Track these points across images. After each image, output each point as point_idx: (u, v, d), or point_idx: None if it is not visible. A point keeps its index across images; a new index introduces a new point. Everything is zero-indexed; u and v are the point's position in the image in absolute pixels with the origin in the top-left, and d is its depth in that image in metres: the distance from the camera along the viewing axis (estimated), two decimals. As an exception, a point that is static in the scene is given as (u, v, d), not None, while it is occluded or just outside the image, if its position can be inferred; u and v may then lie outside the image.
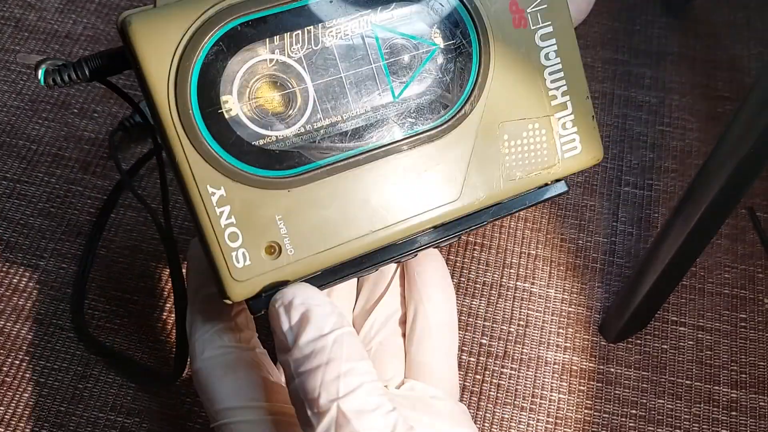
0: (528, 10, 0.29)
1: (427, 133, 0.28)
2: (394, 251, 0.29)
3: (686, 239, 0.38)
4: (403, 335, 0.34)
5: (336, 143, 0.27)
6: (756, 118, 0.35)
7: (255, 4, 0.26)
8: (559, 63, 0.29)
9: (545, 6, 0.29)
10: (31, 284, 0.43)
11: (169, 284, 0.43)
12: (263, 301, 0.27)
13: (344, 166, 0.27)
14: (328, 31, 0.27)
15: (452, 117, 0.28)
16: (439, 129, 0.28)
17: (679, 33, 0.53)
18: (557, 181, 0.30)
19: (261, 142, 0.26)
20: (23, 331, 0.41)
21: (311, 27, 0.26)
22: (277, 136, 0.26)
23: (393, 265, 0.35)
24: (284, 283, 0.27)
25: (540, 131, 0.29)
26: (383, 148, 0.27)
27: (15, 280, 0.43)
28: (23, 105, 0.49)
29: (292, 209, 0.26)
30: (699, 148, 0.48)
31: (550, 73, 0.29)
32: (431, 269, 0.33)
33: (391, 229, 0.28)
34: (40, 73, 0.27)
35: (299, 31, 0.26)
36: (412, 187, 0.28)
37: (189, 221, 0.45)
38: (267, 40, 0.26)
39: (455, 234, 0.29)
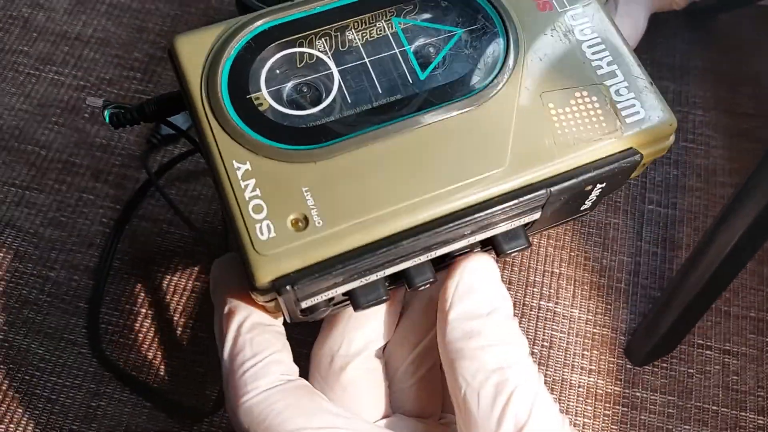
0: None
1: (461, 102, 0.27)
2: (438, 227, 0.25)
3: (721, 264, 0.37)
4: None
5: (364, 116, 0.27)
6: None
7: (283, 10, 0.28)
8: (597, 37, 0.29)
9: None
10: (41, 297, 0.41)
11: (186, 298, 0.42)
12: (289, 279, 0.24)
13: (374, 138, 0.26)
14: (352, 26, 0.29)
15: (486, 87, 0.28)
16: (473, 98, 0.27)
17: (702, 47, 0.52)
18: (626, 150, 0.27)
19: (287, 119, 0.27)
20: (33, 345, 0.40)
21: (335, 25, 0.29)
22: (301, 114, 0.27)
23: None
24: (321, 264, 0.25)
25: (590, 98, 0.28)
26: (414, 118, 0.27)
27: (24, 292, 0.42)
28: (32, 109, 0.47)
29: (319, 181, 0.26)
30: (723, 166, 0.47)
31: (590, 46, 0.29)
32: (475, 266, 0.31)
33: (429, 200, 0.26)
34: (106, 114, 0.30)
35: (324, 28, 0.28)
36: (448, 157, 0.26)
37: (219, 226, 0.44)
38: (294, 38, 0.28)
39: (509, 206, 0.26)
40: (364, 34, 0.29)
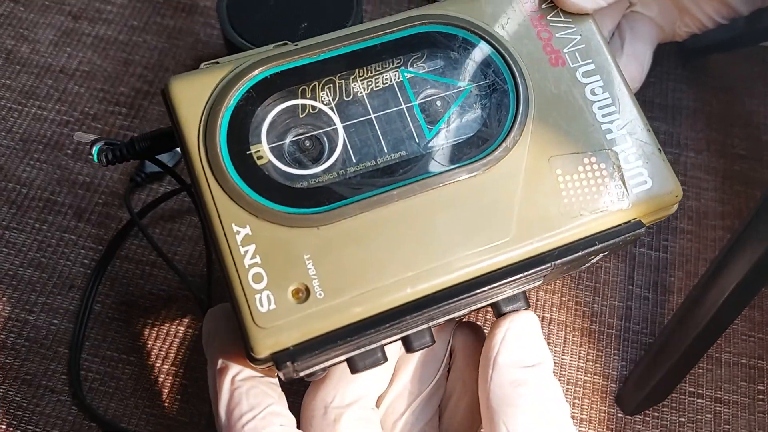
0: (564, 50, 0.29)
1: (469, 166, 0.26)
2: (442, 301, 0.25)
3: (716, 313, 0.36)
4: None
5: (368, 179, 0.26)
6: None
7: (285, 56, 0.27)
8: (607, 97, 0.28)
9: (583, 46, 0.29)
10: (19, 341, 0.40)
11: (168, 344, 0.41)
12: (289, 354, 0.24)
13: (378, 202, 0.25)
14: (358, 78, 0.27)
15: (493, 151, 0.27)
16: (480, 163, 0.26)
17: (695, 86, 0.52)
18: (631, 221, 0.27)
19: (289, 180, 0.26)
20: (10, 393, 0.39)
21: (340, 75, 0.27)
22: (305, 174, 0.26)
23: (442, 349, 0.32)
24: (321, 338, 0.24)
25: (598, 165, 0.27)
26: (420, 182, 0.26)
27: (2, 337, 0.40)
28: (14, 144, 0.46)
29: (321, 248, 0.25)
30: (715, 209, 0.47)
31: (600, 108, 0.28)
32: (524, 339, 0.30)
33: (434, 270, 0.25)
34: (95, 151, 0.29)
35: (328, 79, 0.27)
36: (454, 224, 0.26)
37: (204, 269, 0.43)
38: (296, 87, 0.27)
39: (514, 279, 0.26)
40: (370, 85, 0.27)
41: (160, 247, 0.41)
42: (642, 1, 0.40)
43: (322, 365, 0.26)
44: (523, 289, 0.28)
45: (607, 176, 0.27)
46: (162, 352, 0.41)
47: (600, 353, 0.42)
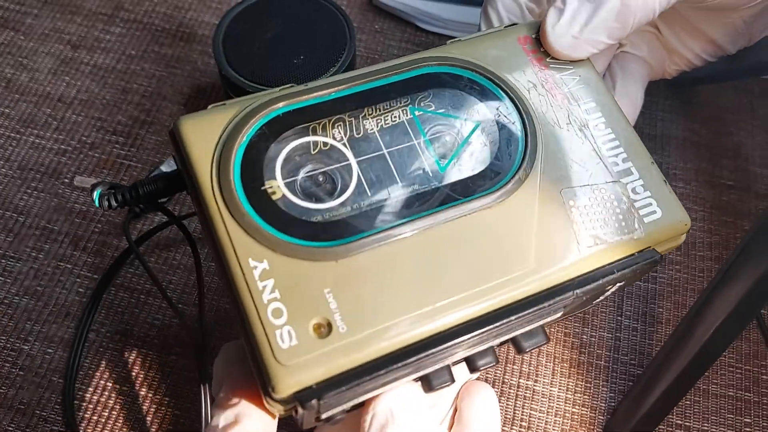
0: (565, 90, 0.30)
1: (483, 199, 0.27)
2: (469, 332, 0.24)
3: (704, 346, 0.37)
4: None
5: (385, 212, 0.26)
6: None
7: (297, 95, 0.27)
8: (611, 132, 0.30)
9: (583, 86, 0.31)
10: (14, 371, 0.41)
11: (162, 374, 0.41)
12: (314, 392, 0.23)
13: (396, 234, 0.25)
14: (369, 116, 0.28)
15: (507, 182, 0.27)
16: (495, 194, 0.27)
17: (683, 116, 0.52)
18: (645, 250, 0.28)
19: (305, 214, 0.26)
20: (4, 422, 0.39)
21: (351, 113, 0.28)
22: (320, 207, 0.26)
23: (451, 396, 0.31)
24: (346, 375, 0.23)
25: (609, 196, 0.28)
26: (437, 215, 0.26)
27: (-3, 365, 0.41)
28: (11, 173, 0.47)
29: (341, 281, 0.24)
30: (703, 239, 0.48)
31: (604, 142, 0.29)
32: (483, 415, 0.31)
33: (458, 301, 0.25)
34: (95, 196, 0.28)
35: (340, 116, 0.27)
36: (475, 255, 0.26)
37: (210, 297, 0.43)
38: (308, 125, 0.27)
39: (537, 309, 0.25)
40: (380, 122, 0.28)
41: (156, 277, 0.41)
42: (632, 42, 0.41)
43: (345, 405, 0.25)
44: (542, 323, 0.28)
45: (618, 206, 0.28)
46: (155, 382, 0.41)
47: (588, 385, 0.43)
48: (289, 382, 0.23)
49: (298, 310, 0.24)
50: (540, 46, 0.31)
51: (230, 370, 0.27)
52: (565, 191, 0.28)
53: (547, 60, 0.31)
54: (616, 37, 0.32)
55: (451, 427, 0.31)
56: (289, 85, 0.28)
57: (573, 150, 0.29)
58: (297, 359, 0.23)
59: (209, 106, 0.27)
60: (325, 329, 0.24)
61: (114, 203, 0.28)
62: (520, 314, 0.25)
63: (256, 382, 0.24)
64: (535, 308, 0.25)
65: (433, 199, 0.27)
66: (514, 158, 0.28)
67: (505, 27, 0.32)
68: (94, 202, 0.28)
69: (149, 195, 0.28)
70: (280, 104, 0.27)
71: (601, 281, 0.27)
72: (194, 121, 0.26)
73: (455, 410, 0.32)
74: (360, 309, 0.24)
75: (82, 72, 0.51)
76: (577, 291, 0.26)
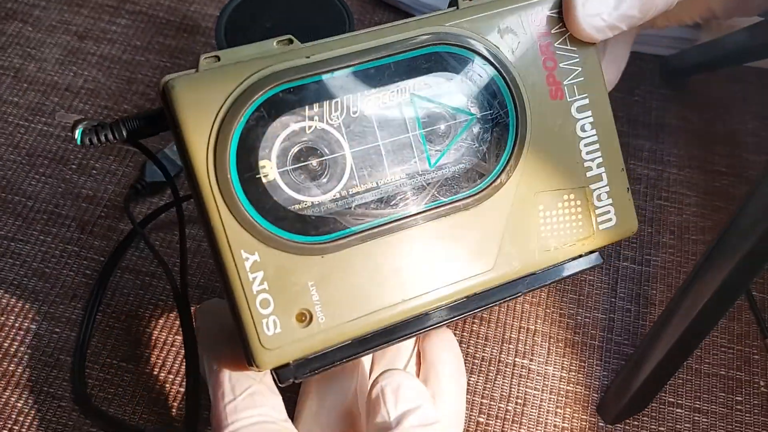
0: (565, 83, 0.29)
1: (462, 202, 0.28)
2: (425, 322, 0.28)
3: (692, 323, 0.38)
4: None
5: (371, 210, 0.27)
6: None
7: (296, 72, 0.26)
8: (594, 135, 0.30)
9: (582, 79, 0.30)
10: (22, 349, 0.42)
11: (166, 352, 0.42)
12: (292, 371, 0.27)
13: (378, 233, 0.27)
14: (367, 99, 0.27)
15: (487, 186, 0.28)
16: (474, 198, 0.28)
17: (677, 105, 0.53)
18: (591, 252, 0.30)
19: (297, 207, 0.26)
20: (12, 399, 0.41)
21: (351, 95, 0.27)
22: (312, 202, 0.27)
23: (411, 341, 0.35)
24: (317, 354, 0.27)
25: (575, 202, 0.29)
26: (418, 216, 0.28)
27: (6, 344, 0.42)
28: (20, 159, 0.48)
29: (325, 276, 0.26)
30: (696, 224, 0.49)
31: (586, 145, 0.30)
32: (448, 360, 0.33)
33: (423, 298, 0.28)
34: (78, 133, 0.27)
35: (339, 99, 0.27)
36: (445, 255, 0.28)
37: (201, 280, 0.44)
38: (307, 106, 0.26)
39: (487, 305, 0.29)
40: (380, 107, 0.27)
41: (160, 255, 0.42)
42: None
43: (318, 374, 0.28)
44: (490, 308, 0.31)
45: (581, 212, 0.30)
46: (159, 360, 0.42)
47: (583, 363, 0.43)
48: (270, 361, 0.26)
49: (284, 302, 0.26)
50: (551, 27, 0.29)
51: (210, 329, 0.31)
52: (540, 194, 0.29)
53: (555, 45, 0.29)
54: (648, 16, 0.30)
55: (418, 369, 0.34)
56: (287, 38, 0.27)
57: (557, 151, 0.29)
58: (279, 343, 0.26)
59: (201, 58, 0.26)
60: (307, 318, 0.26)
61: (96, 140, 0.27)
62: (469, 311, 0.29)
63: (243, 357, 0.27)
64: (483, 306, 0.29)
65: (418, 199, 0.28)
66: (500, 159, 0.29)
67: None
68: (76, 140, 0.27)
69: (132, 132, 0.27)
70: (279, 82, 0.26)
71: (546, 283, 0.30)
72: (189, 93, 0.25)
73: (418, 353, 0.34)
74: (338, 302, 0.27)
75: (89, 62, 0.52)
76: (525, 291, 0.29)
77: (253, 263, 0.26)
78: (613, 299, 0.46)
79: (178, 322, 0.43)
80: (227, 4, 0.45)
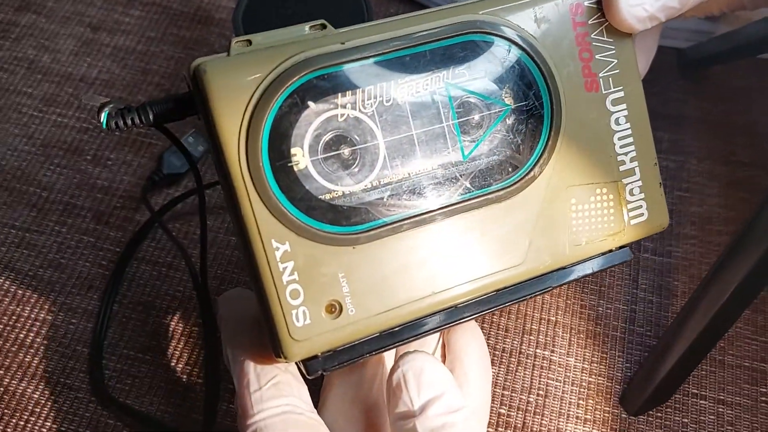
0: (600, 74, 0.29)
1: (495, 194, 0.27)
2: (454, 315, 0.28)
3: (717, 314, 0.37)
4: None
5: (403, 200, 0.27)
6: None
7: (331, 59, 0.25)
8: (628, 128, 0.29)
9: (618, 71, 0.29)
10: (38, 340, 0.42)
11: (183, 343, 0.42)
12: (320, 363, 0.26)
13: (410, 225, 0.26)
14: (401, 87, 0.26)
15: (521, 179, 0.28)
16: (507, 190, 0.27)
17: (697, 97, 0.53)
18: (621, 247, 0.29)
19: (328, 196, 0.26)
20: (29, 390, 0.40)
21: (384, 83, 0.26)
22: (344, 192, 0.26)
23: (436, 335, 0.34)
24: (346, 346, 0.26)
25: (608, 196, 0.29)
26: (450, 208, 0.27)
27: (21, 335, 0.42)
28: (35, 150, 0.48)
29: (355, 267, 0.26)
30: (719, 215, 0.48)
31: (620, 138, 0.29)
32: (474, 350, 0.33)
33: (453, 291, 0.27)
34: (103, 116, 0.26)
35: (372, 86, 0.26)
36: (476, 248, 0.27)
37: (218, 271, 0.44)
38: (340, 94, 0.26)
39: (517, 299, 0.29)
40: (414, 96, 0.27)
41: (180, 242, 0.42)
42: None
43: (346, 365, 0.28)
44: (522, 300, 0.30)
45: (613, 208, 0.29)
46: (177, 352, 0.42)
47: (605, 355, 0.43)
48: (299, 352, 0.26)
49: (314, 293, 0.25)
50: (589, 17, 0.28)
51: (233, 317, 0.30)
52: (571, 188, 0.28)
53: (592, 36, 0.28)
54: (686, 7, 0.29)
55: (443, 360, 0.33)
56: (320, 23, 0.26)
57: (590, 145, 0.29)
58: (308, 335, 0.25)
59: (233, 42, 0.25)
60: (336, 310, 0.26)
61: (122, 124, 0.26)
62: (498, 305, 0.28)
63: (267, 347, 0.27)
64: (513, 300, 0.28)
65: (451, 191, 0.27)
66: (534, 151, 0.28)
67: None
68: (102, 123, 0.26)
69: (158, 116, 0.26)
70: (312, 68, 0.25)
71: (575, 277, 0.29)
72: (221, 78, 0.24)
73: (443, 344, 0.34)
74: (368, 294, 0.26)
75: (103, 53, 0.52)
76: (555, 285, 0.29)
77: (283, 253, 0.25)
78: (634, 290, 0.45)
79: (195, 313, 0.43)
80: (244, -7, 0.45)
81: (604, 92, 0.29)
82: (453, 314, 0.28)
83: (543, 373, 0.42)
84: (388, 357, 0.35)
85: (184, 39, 0.53)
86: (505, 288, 0.28)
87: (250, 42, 0.25)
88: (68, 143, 0.48)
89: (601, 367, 0.43)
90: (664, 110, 0.52)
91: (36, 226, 0.45)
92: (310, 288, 0.25)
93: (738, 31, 0.52)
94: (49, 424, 0.39)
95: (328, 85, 0.25)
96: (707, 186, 0.49)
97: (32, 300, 0.43)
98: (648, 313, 0.44)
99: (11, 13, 0.53)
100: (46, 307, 0.43)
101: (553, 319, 0.44)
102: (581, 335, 0.43)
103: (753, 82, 0.54)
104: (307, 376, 0.27)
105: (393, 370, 0.29)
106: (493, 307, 0.28)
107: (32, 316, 0.42)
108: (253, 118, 0.24)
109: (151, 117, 0.26)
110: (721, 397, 0.42)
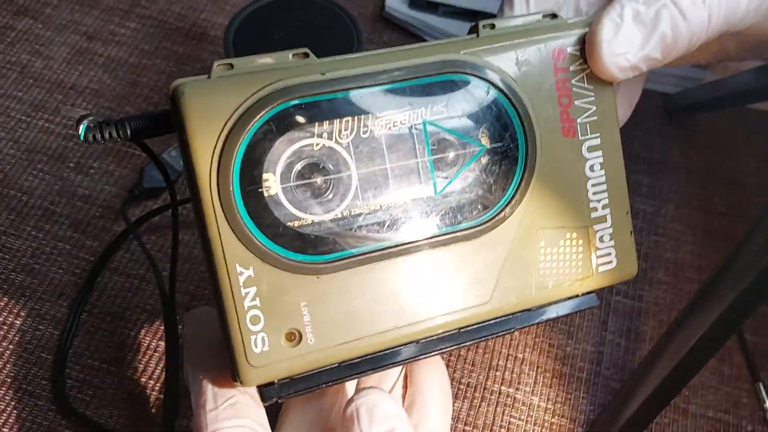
0: (578, 120, 0.29)
1: (465, 232, 0.27)
2: (416, 351, 0.28)
3: (682, 361, 0.37)
4: None
5: (371, 233, 0.27)
6: (764, 249, 0.35)
7: (309, 88, 0.25)
8: (603, 175, 0.29)
9: (596, 118, 0.29)
10: (3, 344, 0.42)
11: (148, 357, 0.42)
12: (276, 390, 0.26)
13: (377, 257, 0.26)
14: (379, 120, 0.26)
15: (491, 218, 0.28)
16: (477, 229, 0.28)
17: (679, 143, 0.53)
18: (589, 293, 0.30)
19: (296, 224, 0.26)
20: (-9, 394, 0.40)
21: (362, 115, 0.26)
22: (313, 220, 0.26)
23: (398, 368, 0.34)
24: (303, 375, 0.26)
25: (577, 242, 0.29)
26: (418, 243, 0.27)
27: (-11, 338, 0.42)
28: (19, 154, 0.48)
29: (318, 297, 0.26)
30: (692, 262, 0.48)
31: (593, 185, 0.29)
32: (436, 384, 0.33)
33: (416, 326, 0.27)
34: (81, 128, 0.26)
35: (350, 118, 0.26)
36: (442, 285, 0.27)
37: (190, 286, 0.44)
38: (317, 123, 0.26)
39: (479, 339, 0.29)
40: (390, 129, 0.27)
41: (153, 256, 0.42)
42: None
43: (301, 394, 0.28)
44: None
45: (582, 253, 0.29)
46: (141, 366, 0.42)
47: (569, 396, 0.43)
48: (255, 379, 0.26)
49: (275, 320, 0.25)
50: (571, 63, 0.29)
51: (199, 336, 0.30)
52: (541, 231, 0.29)
53: (573, 82, 0.29)
54: (669, 59, 0.30)
55: (405, 392, 0.33)
56: (303, 52, 0.26)
57: (563, 189, 0.29)
58: (266, 362, 0.25)
59: (215, 65, 0.25)
60: (296, 338, 0.26)
61: (99, 137, 0.26)
62: (460, 343, 0.29)
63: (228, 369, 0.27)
64: (474, 339, 0.29)
65: (420, 225, 0.27)
66: (506, 192, 0.28)
67: (543, 17, 0.29)
68: (79, 136, 0.26)
69: (136, 132, 0.27)
70: (290, 97, 0.25)
71: (539, 320, 0.29)
72: (199, 100, 0.24)
73: (405, 377, 0.34)
74: (329, 324, 0.26)
75: (96, 63, 0.53)
76: (518, 327, 0.29)
77: (247, 278, 0.25)
78: (603, 332, 0.45)
79: (163, 328, 0.43)
80: (238, 13, 0.45)
81: (580, 138, 0.29)
82: (414, 349, 0.28)
83: (506, 411, 0.42)
84: (349, 387, 0.35)
85: (177, 54, 0.54)
86: (470, 326, 0.28)
87: (231, 66, 0.25)
88: (53, 149, 0.49)
89: (565, 408, 0.43)
90: (647, 154, 0.52)
91: (13, 229, 0.45)
92: (271, 315, 0.25)
93: (726, 80, 0.52)
94: (6, 430, 0.39)
95: (305, 114, 0.26)
96: (683, 233, 0.49)
97: (1, 304, 0.43)
98: (615, 356, 0.45)
99: (9, 17, 0.54)
100: (15, 311, 0.43)
101: (521, 356, 0.44)
102: (547, 374, 0.43)
103: (737, 132, 0.54)
104: (262, 403, 0.27)
105: (348, 402, 0.29)
106: (456, 344, 0.28)
107: (0, 319, 0.42)
108: (227, 142, 0.25)
109: (129, 132, 0.27)
110: (683, 446, 0.42)
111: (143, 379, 0.41)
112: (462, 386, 0.43)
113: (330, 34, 0.46)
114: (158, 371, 0.41)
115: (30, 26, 0.54)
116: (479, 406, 0.42)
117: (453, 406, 0.42)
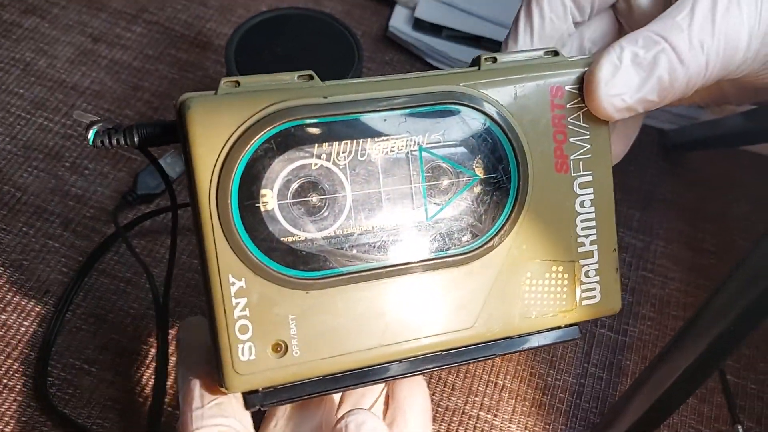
0: (572, 157, 0.30)
1: (453, 258, 0.28)
2: (396, 370, 0.29)
3: (661, 398, 0.37)
4: None
5: (362, 253, 0.28)
6: (745, 289, 0.35)
7: (311, 110, 0.26)
8: (592, 212, 0.30)
9: (589, 156, 0.30)
10: (-13, 338, 0.42)
11: (129, 360, 0.42)
12: (259, 398, 0.27)
13: (365, 277, 0.27)
14: (377, 145, 0.27)
15: (479, 247, 0.28)
16: (465, 256, 0.28)
17: (673, 179, 0.54)
18: (571, 325, 0.30)
19: (290, 239, 0.27)
20: (-31, 387, 0.40)
21: (360, 140, 0.27)
22: (306, 237, 0.27)
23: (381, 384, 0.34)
24: (287, 386, 0.27)
25: (563, 275, 0.30)
26: (407, 266, 0.28)
27: (-29, 332, 0.42)
28: (16, 150, 0.49)
29: (306, 311, 0.27)
30: (678, 299, 0.48)
31: (582, 221, 0.30)
32: (417, 403, 0.33)
33: (399, 346, 0.28)
34: (91, 133, 0.27)
35: (348, 141, 0.27)
36: (428, 308, 0.28)
37: (176, 292, 0.44)
38: (316, 144, 0.27)
39: (460, 362, 0.29)
40: (387, 154, 0.28)
41: (143, 260, 0.42)
42: None
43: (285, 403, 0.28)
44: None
45: (566, 286, 0.30)
46: (122, 368, 0.42)
47: (547, 426, 0.43)
48: (239, 386, 0.27)
49: (262, 331, 0.26)
50: (568, 101, 0.29)
51: (193, 344, 0.31)
52: (528, 262, 0.29)
53: (569, 119, 0.29)
54: (665, 101, 0.30)
55: (386, 410, 0.34)
56: (308, 74, 0.27)
57: (552, 223, 0.29)
58: (251, 370, 0.26)
59: (222, 81, 0.26)
60: (282, 349, 0.27)
61: (107, 143, 0.27)
62: (441, 365, 0.29)
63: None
64: (455, 362, 0.29)
65: (410, 249, 0.28)
66: (496, 223, 0.29)
67: (545, 54, 0.30)
68: (89, 140, 0.27)
69: (143, 140, 0.27)
70: (292, 118, 0.26)
71: (521, 348, 0.30)
72: (204, 114, 0.25)
73: (387, 394, 0.34)
74: (315, 339, 0.27)
75: (99, 65, 0.53)
76: (499, 353, 0.30)
77: (238, 289, 0.26)
78: (586, 365, 0.45)
79: (145, 332, 0.43)
80: (241, 25, 0.46)
81: (573, 174, 0.30)
82: (397, 368, 0.29)
83: (483, 436, 0.42)
84: (332, 400, 0.35)
85: (181, 61, 0.54)
86: (452, 349, 0.29)
87: (238, 83, 0.26)
88: (50, 148, 0.49)
89: (542, 437, 0.42)
90: (640, 188, 0.53)
91: (5, 225, 0.46)
92: (260, 326, 0.26)
93: (722, 120, 0.53)
94: (-18, 424, 0.39)
95: (305, 134, 0.27)
96: (671, 269, 0.49)
97: (-13, 298, 0.43)
98: (596, 389, 0.45)
99: (17, 14, 0.55)
100: (1, 306, 0.43)
101: (501, 382, 0.44)
102: (527, 403, 0.43)
103: (730, 173, 0.54)
104: (246, 409, 0.27)
105: (338, 421, 0.30)
106: (437, 366, 0.29)
107: (-15, 314, 0.42)
108: (228, 157, 0.26)
109: (136, 140, 0.28)
110: (658, 483, 0.42)
111: (122, 382, 0.41)
112: (441, 409, 0.43)
113: (331, 51, 0.46)
114: (138, 375, 0.41)
115: (37, 24, 0.54)
116: (456, 430, 0.42)
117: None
